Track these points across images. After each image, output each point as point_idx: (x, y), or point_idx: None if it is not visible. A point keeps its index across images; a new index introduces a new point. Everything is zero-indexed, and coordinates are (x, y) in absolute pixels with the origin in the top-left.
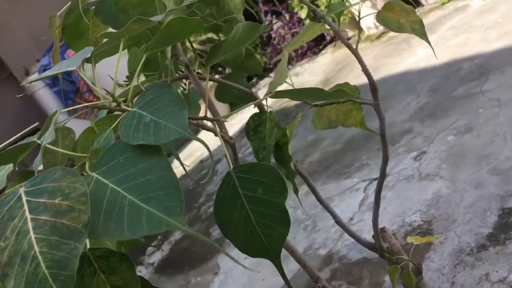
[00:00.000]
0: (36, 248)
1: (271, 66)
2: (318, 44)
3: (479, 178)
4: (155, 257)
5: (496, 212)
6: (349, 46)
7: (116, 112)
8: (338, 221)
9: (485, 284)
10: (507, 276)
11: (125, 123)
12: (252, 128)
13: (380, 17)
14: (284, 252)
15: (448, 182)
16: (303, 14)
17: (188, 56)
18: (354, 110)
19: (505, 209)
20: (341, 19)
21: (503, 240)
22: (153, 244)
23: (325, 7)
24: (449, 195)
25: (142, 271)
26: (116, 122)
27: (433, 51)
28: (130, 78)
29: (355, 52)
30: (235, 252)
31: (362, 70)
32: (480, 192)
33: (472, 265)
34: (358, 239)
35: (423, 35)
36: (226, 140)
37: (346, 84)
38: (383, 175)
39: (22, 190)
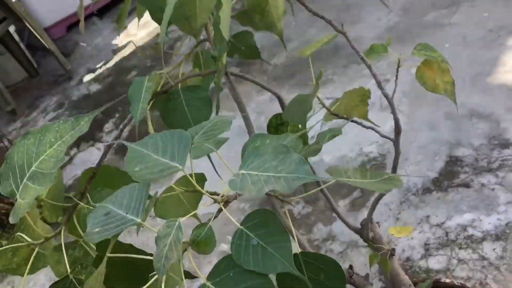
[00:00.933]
0: None
1: None
2: None
3: (434, 119)
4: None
5: (444, 158)
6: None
7: None
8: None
9: (425, 225)
10: (445, 221)
11: (235, 242)
12: (273, 126)
13: (419, 74)
14: None
15: (406, 118)
16: None
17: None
18: (361, 105)
19: (452, 156)
20: None
21: (446, 187)
22: (110, 122)
23: None
24: (404, 132)
25: (101, 149)
26: None
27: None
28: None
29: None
30: None
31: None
32: (433, 135)
33: (416, 206)
34: (348, 225)
35: (452, 96)
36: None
37: (361, 88)
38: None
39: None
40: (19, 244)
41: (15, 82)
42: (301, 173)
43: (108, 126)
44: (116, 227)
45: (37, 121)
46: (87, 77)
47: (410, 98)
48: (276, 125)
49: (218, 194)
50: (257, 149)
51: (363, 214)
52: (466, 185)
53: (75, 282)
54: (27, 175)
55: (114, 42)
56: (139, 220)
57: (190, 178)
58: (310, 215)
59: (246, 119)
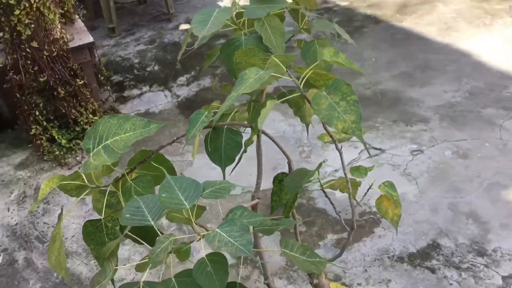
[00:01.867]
0: None
1: None
2: None
3: (439, 205)
4: (183, 91)
5: (428, 240)
6: None
7: None
8: None
9: (383, 287)
10: None
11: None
12: (278, 179)
13: (379, 201)
14: None
15: (417, 191)
16: None
17: None
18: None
19: (435, 242)
20: None
21: (416, 264)
22: (184, 77)
23: None
24: (410, 202)
25: (167, 97)
26: None
27: None
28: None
29: None
30: None
31: None
32: (431, 217)
33: (385, 267)
34: None
35: (395, 224)
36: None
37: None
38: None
39: None
40: (79, 183)
41: (124, 2)
42: (245, 249)
43: (182, 79)
44: (138, 220)
45: (128, 46)
46: (183, 26)
47: (432, 177)
48: (279, 181)
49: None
50: (234, 220)
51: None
52: (432, 271)
53: (103, 226)
54: (102, 144)
55: (219, 3)
56: (152, 223)
57: (190, 214)
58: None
59: (259, 167)
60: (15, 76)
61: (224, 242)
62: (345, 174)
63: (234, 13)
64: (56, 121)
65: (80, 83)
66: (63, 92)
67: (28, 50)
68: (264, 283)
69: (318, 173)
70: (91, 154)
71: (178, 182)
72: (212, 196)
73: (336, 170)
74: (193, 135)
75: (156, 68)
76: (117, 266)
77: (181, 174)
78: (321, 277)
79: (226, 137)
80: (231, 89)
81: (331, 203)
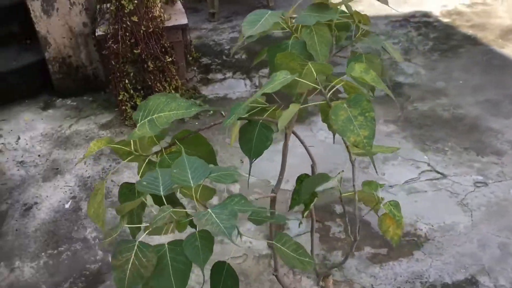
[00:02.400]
0: None
1: None
2: None
3: (489, 240)
4: (262, 81)
5: (467, 275)
6: None
7: None
8: None
9: None
10: None
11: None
12: (301, 179)
13: (381, 218)
14: None
15: (470, 222)
16: None
17: None
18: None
19: (473, 278)
20: None
21: None
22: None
23: None
24: (458, 233)
25: (247, 86)
26: None
27: None
28: None
29: None
30: None
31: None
32: (477, 251)
33: None
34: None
35: (396, 243)
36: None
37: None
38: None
39: None
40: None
41: None
42: (227, 231)
43: (264, 71)
44: (151, 188)
45: (223, 32)
46: None
47: (489, 212)
48: (301, 181)
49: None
50: (227, 204)
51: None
52: None
53: (136, 190)
54: (148, 118)
55: None
56: (161, 193)
57: (193, 191)
58: None
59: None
60: (113, 45)
61: (211, 222)
62: (354, 186)
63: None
64: (141, 91)
65: (169, 60)
66: (152, 66)
67: (128, 23)
68: (273, 274)
69: (341, 182)
70: (138, 124)
71: (191, 162)
72: (216, 180)
73: (391, 186)
74: (228, 123)
75: (243, 57)
76: (134, 225)
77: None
78: (328, 281)
79: (259, 131)
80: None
81: (344, 211)
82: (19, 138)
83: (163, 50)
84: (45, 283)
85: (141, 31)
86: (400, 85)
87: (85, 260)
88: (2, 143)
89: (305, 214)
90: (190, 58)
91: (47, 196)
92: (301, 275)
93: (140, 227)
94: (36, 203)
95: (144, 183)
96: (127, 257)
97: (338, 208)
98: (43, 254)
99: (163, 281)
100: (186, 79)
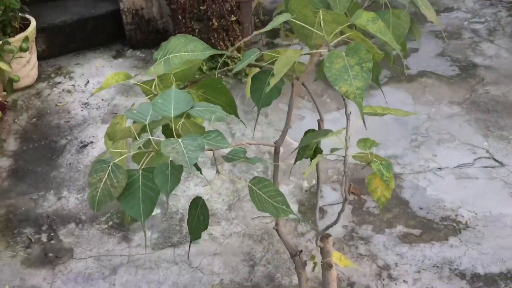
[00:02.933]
0: None
1: None
2: None
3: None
4: None
5: (502, 268)
6: None
7: None
8: None
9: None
10: None
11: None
12: (305, 134)
13: (369, 178)
14: None
15: (477, 249)
16: None
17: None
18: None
19: (509, 272)
20: None
21: (476, 287)
22: None
23: None
24: (504, 225)
25: None
26: None
27: None
28: None
29: None
30: None
31: None
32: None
33: (438, 278)
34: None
35: (382, 207)
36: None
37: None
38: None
39: None
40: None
41: None
42: (190, 161)
43: None
44: (138, 117)
45: None
46: None
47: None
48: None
49: None
50: (198, 137)
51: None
52: None
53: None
54: (164, 57)
55: None
56: (145, 123)
57: (173, 123)
58: None
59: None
60: (181, 0)
61: (176, 150)
62: (345, 140)
63: None
64: None
65: (233, 19)
66: (216, 24)
67: None
68: (274, 228)
69: (347, 142)
70: (155, 64)
71: (177, 95)
72: (197, 114)
73: (439, 169)
74: (238, 68)
75: None
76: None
77: None
78: (327, 241)
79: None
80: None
81: (344, 171)
82: (88, 82)
83: (229, 8)
84: (85, 214)
85: None
86: (475, 66)
87: None
88: (73, 85)
89: (307, 172)
90: (257, 20)
91: (102, 137)
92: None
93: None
94: (92, 142)
95: (134, 111)
96: (100, 176)
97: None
98: (87, 188)
99: (132, 203)
100: (250, 41)
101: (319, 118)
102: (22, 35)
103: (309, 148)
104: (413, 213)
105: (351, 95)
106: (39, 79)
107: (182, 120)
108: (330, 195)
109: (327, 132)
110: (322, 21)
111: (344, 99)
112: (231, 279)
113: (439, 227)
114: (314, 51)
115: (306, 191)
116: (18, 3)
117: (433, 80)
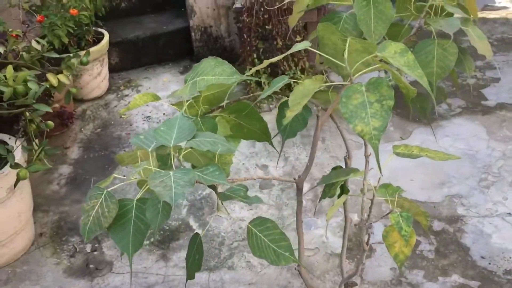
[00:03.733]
0: None
1: None
2: None
3: None
4: None
5: None
6: None
7: None
8: None
9: None
10: None
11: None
12: (333, 169)
13: (386, 230)
14: None
15: None
16: None
17: None
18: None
19: None
20: None
21: None
22: None
23: None
24: None
25: None
26: None
27: None
28: None
29: None
30: None
31: None
32: None
33: None
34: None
35: (398, 263)
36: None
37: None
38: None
39: None
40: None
41: None
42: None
43: None
44: (143, 143)
45: None
46: None
47: None
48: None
49: None
50: (191, 171)
51: None
52: None
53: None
54: (192, 80)
55: None
56: (148, 150)
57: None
58: None
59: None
60: (247, 18)
61: (164, 184)
62: (363, 184)
63: None
64: (268, 68)
65: (299, 39)
66: (281, 43)
67: None
68: (295, 269)
69: (365, 177)
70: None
71: (181, 123)
72: (196, 146)
73: (509, 214)
74: (263, 95)
75: None
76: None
77: None
78: None
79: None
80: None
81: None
82: None
83: (294, 29)
84: None
85: (275, 9)
86: None
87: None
88: None
89: (330, 214)
90: None
91: None
92: (327, 280)
93: None
94: None
95: (141, 137)
96: (94, 204)
97: (436, 225)
98: None
99: (122, 235)
100: (314, 63)
101: (346, 156)
102: (94, 48)
103: (334, 187)
104: (473, 262)
105: (367, 135)
106: (109, 90)
107: (188, 149)
108: (380, 233)
109: (350, 171)
110: (347, 51)
111: (341, 133)
112: None
113: (501, 281)
114: (341, 83)
115: (355, 225)
116: (88, 18)
117: None
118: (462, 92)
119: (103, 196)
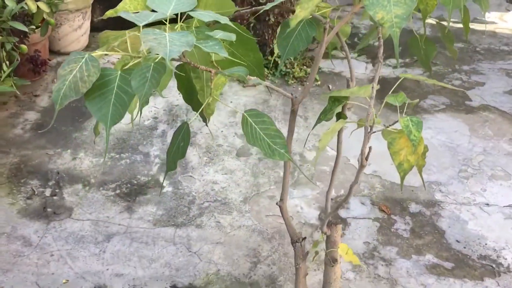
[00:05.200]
0: None
1: None
2: None
3: None
4: (385, 70)
5: None
6: None
7: None
8: None
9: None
10: None
11: None
12: (331, 100)
13: (392, 137)
14: None
15: None
16: None
17: None
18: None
19: None
20: None
21: None
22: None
23: None
24: None
25: (367, 70)
26: None
27: None
28: None
29: None
30: None
31: None
32: None
33: None
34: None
35: (401, 173)
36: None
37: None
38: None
39: None
40: None
41: None
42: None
43: (392, 61)
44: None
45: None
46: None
47: None
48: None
49: None
50: (189, 34)
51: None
52: None
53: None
54: None
55: None
56: (140, 24)
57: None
58: None
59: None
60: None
61: (159, 41)
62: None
63: None
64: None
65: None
66: (273, 20)
67: None
68: (277, 204)
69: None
70: None
71: None
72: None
73: (487, 204)
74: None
75: (376, 43)
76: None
77: None
78: (336, 230)
79: (302, 26)
80: None
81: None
82: None
83: (288, 5)
84: (95, 178)
85: None
86: None
87: (138, 171)
88: (118, 58)
89: (324, 140)
90: None
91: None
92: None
93: None
94: None
95: (131, 14)
96: (72, 68)
97: (413, 208)
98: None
99: (100, 105)
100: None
101: (349, 77)
102: None
103: (332, 111)
104: (448, 244)
105: (387, 23)
106: (88, 48)
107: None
108: (357, 208)
109: (352, 89)
110: None
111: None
112: (228, 272)
113: (475, 265)
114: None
115: (331, 199)
116: None
117: (495, 115)
118: (446, 92)
119: (83, 60)
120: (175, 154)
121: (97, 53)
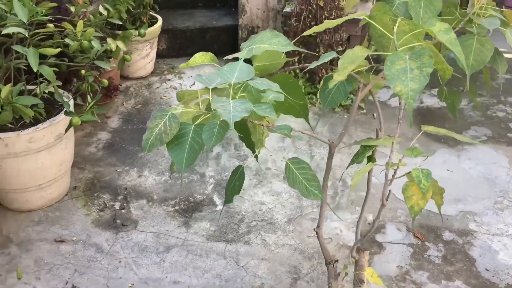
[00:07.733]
0: None
1: None
2: None
3: None
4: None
5: None
6: None
7: None
8: None
9: None
10: None
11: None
12: (363, 147)
13: (406, 184)
14: None
15: None
16: None
17: None
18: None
19: None
20: None
21: None
22: None
23: None
24: None
25: None
26: None
27: None
28: None
29: None
30: None
31: None
32: None
33: None
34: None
35: (412, 213)
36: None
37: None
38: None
39: None
40: None
41: None
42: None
43: None
44: (204, 82)
45: None
46: None
47: None
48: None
49: None
50: (247, 102)
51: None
52: None
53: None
54: (248, 47)
55: None
56: (210, 87)
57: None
58: None
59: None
60: (294, 23)
61: (224, 108)
62: (392, 144)
63: None
64: (306, 74)
65: (340, 49)
66: (323, 51)
67: (314, 6)
68: (314, 230)
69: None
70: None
71: (242, 67)
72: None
73: (508, 227)
74: (312, 66)
75: None
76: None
77: None
78: (363, 255)
79: (340, 83)
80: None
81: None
82: (194, 83)
83: (338, 39)
84: (157, 195)
85: (323, 16)
86: None
87: (195, 189)
88: (180, 83)
89: (356, 179)
90: None
91: None
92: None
93: None
94: None
95: (204, 77)
96: (158, 122)
97: (447, 236)
98: (167, 173)
99: (178, 152)
100: None
101: (378, 129)
102: (148, 29)
103: (362, 155)
104: (477, 272)
105: (404, 95)
106: (153, 73)
107: (242, 92)
108: (393, 233)
109: (378, 139)
110: (395, 31)
111: (377, 107)
112: (271, 286)
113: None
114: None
115: (369, 223)
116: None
117: None
118: (489, 123)
119: (167, 117)
120: (232, 190)
121: (177, 111)
